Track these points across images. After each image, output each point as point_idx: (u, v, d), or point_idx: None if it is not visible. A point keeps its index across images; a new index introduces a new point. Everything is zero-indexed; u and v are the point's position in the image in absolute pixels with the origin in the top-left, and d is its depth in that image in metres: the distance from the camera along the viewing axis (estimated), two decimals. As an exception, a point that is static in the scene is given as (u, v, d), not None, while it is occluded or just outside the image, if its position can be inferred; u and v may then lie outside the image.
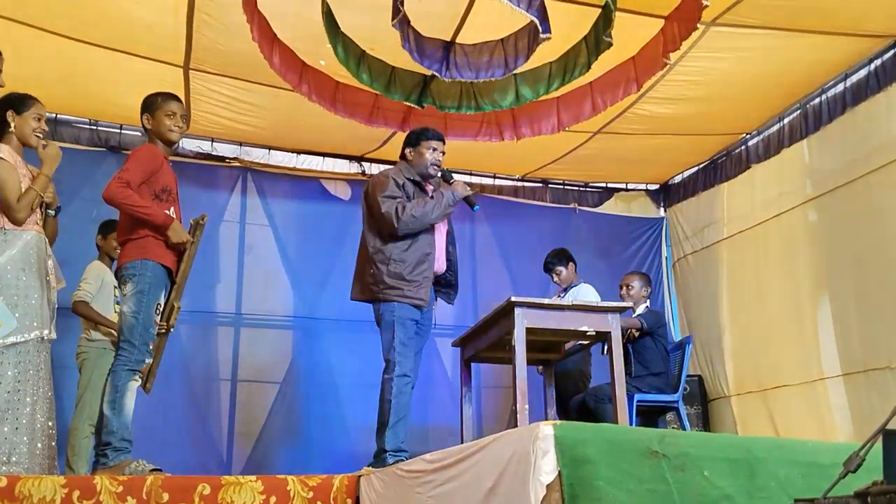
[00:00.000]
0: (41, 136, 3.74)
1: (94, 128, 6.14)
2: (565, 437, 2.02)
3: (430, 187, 4.28)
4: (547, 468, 2.00)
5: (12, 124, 3.64)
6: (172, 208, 3.81)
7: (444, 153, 4.25)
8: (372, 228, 4.14)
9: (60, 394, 5.25)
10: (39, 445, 3.47)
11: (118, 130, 6.16)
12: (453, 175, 4.28)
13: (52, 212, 3.83)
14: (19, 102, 3.67)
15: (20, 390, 3.43)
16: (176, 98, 3.91)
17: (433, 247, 4.11)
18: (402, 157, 4.30)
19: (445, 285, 4.34)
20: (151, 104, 3.85)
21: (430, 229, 4.12)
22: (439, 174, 4.26)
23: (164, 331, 3.87)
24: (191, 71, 5.34)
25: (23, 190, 3.58)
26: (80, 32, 4.90)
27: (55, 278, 3.77)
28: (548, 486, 1.99)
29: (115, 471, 3.40)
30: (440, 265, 4.21)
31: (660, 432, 2.17)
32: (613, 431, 2.14)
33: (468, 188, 4.20)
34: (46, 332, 3.58)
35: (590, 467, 2.00)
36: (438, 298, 4.40)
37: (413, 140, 4.27)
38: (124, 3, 4.63)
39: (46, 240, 3.74)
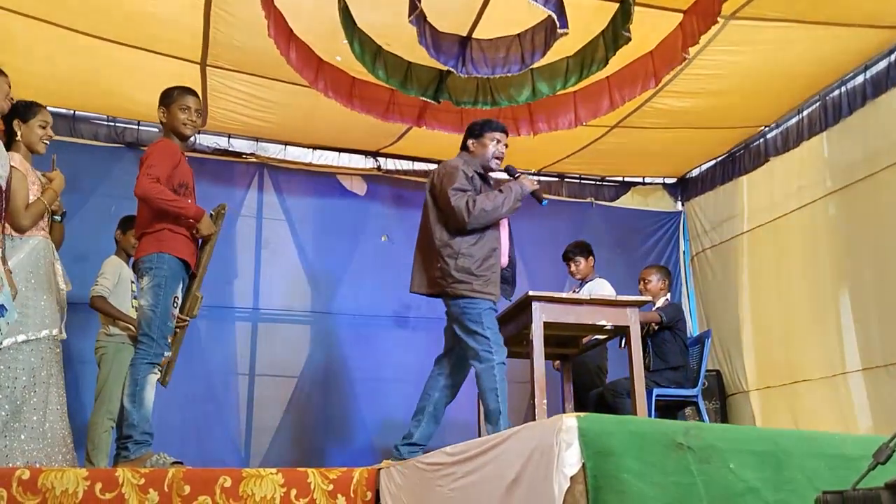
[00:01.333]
0: (47, 142, 3.78)
1: (112, 124, 6.17)
2: (589, 429, 2.01)
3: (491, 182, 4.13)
4: (571, 460, 1.99)
5: (19, 133, 3.69)
6: (190, 202, 3.84)
7: (507, 146, 4.10)
8: (439, 221, 3.95)
9: (80, 389, 5.31)
10: (53, 440, 3.51)
11: (136, 127, 6.20)
12: (518, 170, 4.08)
13: (58, 217, 3.88)
14: (25, 110, 3.71)
15: (34, 384, 3.48)
16: (192, 92, 3.93)
17: (500, 242, 3.97)
18: (464, 147, 4.12)
19: (503, 281, 4.10)
20: (167, 98, 3.89)
21: (496, 224, 3.97)
22: (503, 168, 4.12)
23: (185, 323, 3.90)
24: (208, 67, 5.36)
25: (31, 199, 3.62)
26: (98, 29, 4.92)
27: (62, 280, 3.80)
28: (571, 478, 1.98)
29: (136, 463, 3.43)
30: (504, 260, 4.04)
31: (685, 424, 2.16)
32: (638, 423, 2.13)
33: (535, 182, 4.03)
34: (56, 331, 3.65)
35: (614, 459, 1.99)
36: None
37: (476, 131, 4.09)
38: (142, 0, 4.64)
39: (53, 245, 3.79)
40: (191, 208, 3.70)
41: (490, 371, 3.73)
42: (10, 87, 3.60)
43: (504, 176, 4.22)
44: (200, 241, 3.88)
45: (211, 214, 3.86)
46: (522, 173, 4.07)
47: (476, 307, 3.80)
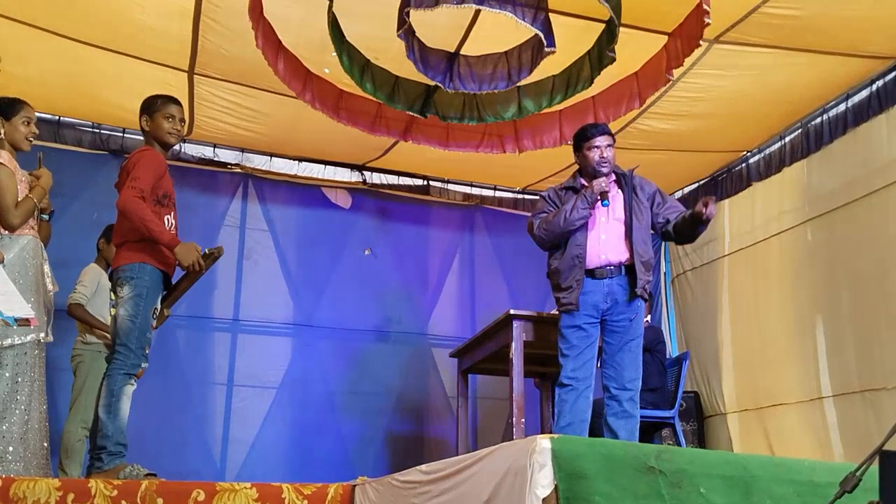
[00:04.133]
0: (32, 139, 3.71)
1: (97, 131, 6.15)
2: (562, 450, 2.01)
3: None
4: (543, 482, 1.99)
5: (2, 131, 3.61)
6: (172, 213, 3.82)
7: (611, 145, 4.01)
8: None
9: (55, 396, 5.26)
10: (33, 447, 3.47)
11: (121, 134, 6.18)
12: (604, 170, 4.01)
13: (45, 216, 3.80)
14: (7, 108, 3.64)
15: (17, 391, 3.43)
16: (176, 101, 3.90)
17: (584, 246, 3.90)
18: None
19: (627, 272, 3.92)
20: (151, 106, 3.84)
21: (583, 228, 3.92)
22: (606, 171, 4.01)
23: None
24: (195, 75, 5.36)
25: (20, 196, 3.57)
26: (85, 35, 4.91)
27: (51, 282, 3.76)
28: (544, 499, 1.98)
29: (109, 475, 3.39)
30: (615, 255, 3.89)
31: (657, 448, 2.17)
32: (610, 446, 2.14)
33: (604, 183, 3.92)
34: (42, 334, 3.58)
35: (586, 482, 1.99)
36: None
37: (576, 145, 4.12)
38: (130, 7, 4.63)
39: (42, 244, 3.72)
40: (165, 235, 3.61)
41: (556, 392, 3.91)
42: None
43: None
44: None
45: (205, 252, 3.78)
46: (601, 176, 3.99)
47: (561, 323, 3.92)
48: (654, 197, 4.06)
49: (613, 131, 5.82)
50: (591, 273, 3.88)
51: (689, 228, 3.93)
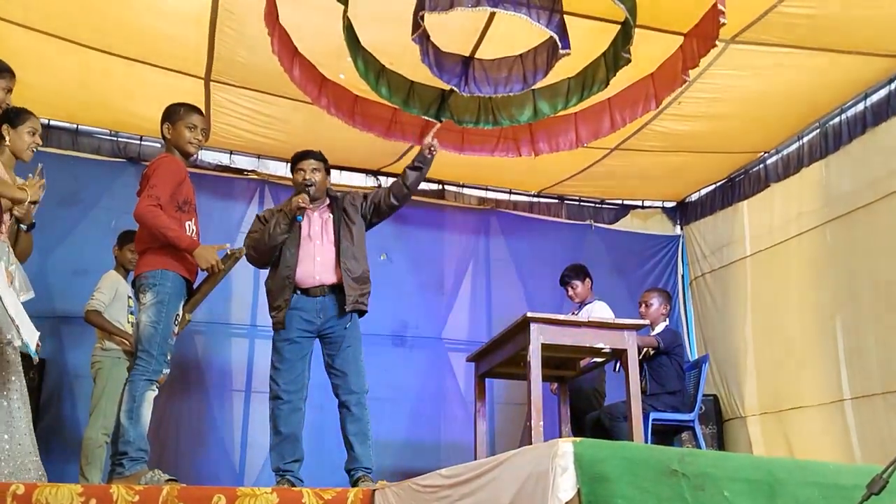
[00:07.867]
0: (34, 151, 3.71)
1: (115, 139, 6.19)
2: (585, 454, 2.00)
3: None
4: (566, 486, 1.98)
5: (7, 138, 3.63)
6: (193, 219, 3.83)
7: (317, 170, 4.39)
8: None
9: (75, 403, 5.31)
10: (21, 450, 3.39)
11: (138, 142, 6.22)
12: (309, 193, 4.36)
13: (23, 226, 3.76)
14: (15, 116, 3.66)
15: None
16: (198, 111, 3.93)
17: (294, 268, 4.25)
18: None
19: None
20: (173, 114, 3.87)
21: (293, 249, 4.29)
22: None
23: None
24: (212, 83, 5.39)
25: None
26: (102, 43, 4.95)
27: (19, 287, 3.64)
28: (566, 503, 1.97)
29: (131, 480, 3.41)
30: (328, 277, 4.27)
31: (680, 451, 2.16)
32: (633, 450, 2.12)
33: (300, 201, 4.23)
34: (10, 336, 3.44)
35: (609, 485, 1.98)
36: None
37: (291, 167, 4.51)
38: (147, 15, 4.67)
39: (9, 248, 3.62)
40: (184, 240, 3.66)
41: None
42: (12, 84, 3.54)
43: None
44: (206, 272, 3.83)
45: (227, 253, 3.80)
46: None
47: (273, 339, 4.39)
48: (362, 206, 4.44)
49: (630, 133, 5.87)
50: (305, 291, 4.22)
51: (413, 171, 4.48)
